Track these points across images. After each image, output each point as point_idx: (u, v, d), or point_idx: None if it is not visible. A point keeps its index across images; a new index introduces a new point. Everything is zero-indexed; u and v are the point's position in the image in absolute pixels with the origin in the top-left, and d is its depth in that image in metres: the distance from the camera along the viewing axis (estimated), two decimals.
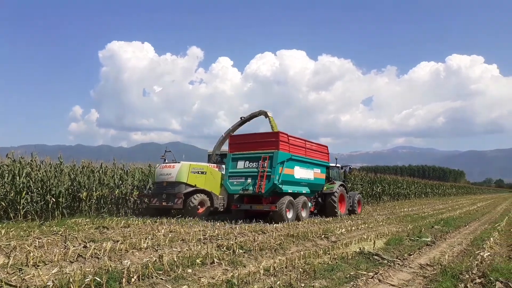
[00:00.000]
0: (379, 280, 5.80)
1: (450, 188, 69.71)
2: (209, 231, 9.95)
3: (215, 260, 6.60)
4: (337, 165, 19.26)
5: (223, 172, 15.65)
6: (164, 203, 14.82)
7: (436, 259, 7.36)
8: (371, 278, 5.83)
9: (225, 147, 17.08)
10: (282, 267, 6.34)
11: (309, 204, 15.32)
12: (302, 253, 7.61)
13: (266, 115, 17.15)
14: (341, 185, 17.43)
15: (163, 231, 9.99)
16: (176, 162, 15.44)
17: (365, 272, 6.16)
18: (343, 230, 11.29)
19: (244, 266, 6.54)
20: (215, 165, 16.41)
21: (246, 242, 8.39)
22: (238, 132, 17.64)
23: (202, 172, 15.45)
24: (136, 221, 12.33)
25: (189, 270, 5.99)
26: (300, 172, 14.58)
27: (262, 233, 10.16)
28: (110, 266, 5.93)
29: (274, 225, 12.08)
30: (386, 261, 7.07)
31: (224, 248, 7.68)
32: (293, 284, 5.46)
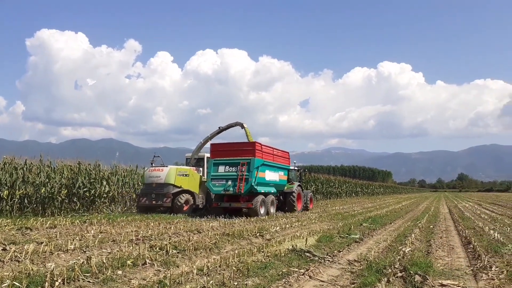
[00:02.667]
0: (310, 277, 5.97)
1: (378, 188, 73.78)
2: (142, 232, 9.66)
3: (147, 261, 6.42)
4: (295, 168, 21.67)
5: (201, 174, 18.06)
6: (154, 202, 16.42)
7: (363, 255, 7.73)
8: (302, 274, 5.99)
9: (201, 152, 19.37)
10: (216, 266, 6.32)
11: (275, 202, 17.69)
12: (236, 251, 7.64)
13: (242, 126, 19.39)
14: (298, 185, 20.02)
15: (92, 231, 9.55)
16: (164, 166, 17.23)
17: (296, 269, 6.32)
18: (278, 228, 11.52)
19: (178, 267, 6.43)
20: (195, 168, 18.19)
21: (181, 242, 8.26)
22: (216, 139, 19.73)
23: (185, 175, 17.17)
24: (64, 221, 11.67)
25: (119, 272, 5.78)
26: (270, 175, 17.08)
27: (198, 233, 10.06)
28: (32, 269, 5.55)
29: (210, 224, 12.03)
30: (317, 258, 7.30)
31: (157, 248, 7.49)
32: (226, 283, 5.46)
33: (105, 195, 17.52)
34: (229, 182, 15.76)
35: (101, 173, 17.99)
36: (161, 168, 17.05)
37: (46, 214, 14.92)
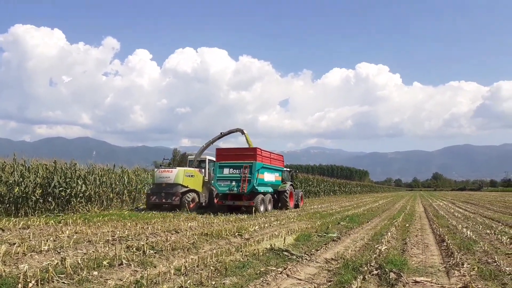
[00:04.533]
0: (287, 275, 6.00)
1: (356, 187, 74.72)
2: (118, 232, 9.52)
3: (124, 261, 6.33)
4: (287, 169, 23.61)
5: (203, 175, 19.93)
6: (163, 200, 18.06)
7: (340, 253, 7.81)
8: (280, 273, 6.01)
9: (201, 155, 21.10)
10: (194, 266, 6.28)
11: (272, 200, 19.59)
12: (215, 251, 7.61)
13: (242, 132, 21.04)
14: (291, 184, 21.78)
15: (67, 232, 9.36)
16: (173, 168, 19.02)
17: (274, 268, 6.34)
18: (257, 227, 11.54)
19: (155, 267, 6.36)
20: (198, 169, 19.90)
21: (158, 242, 8.18)
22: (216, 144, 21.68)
23: (191, 176, 18.97)
24: (38, 222, 11.39)
25: (95, 273, 5.67)
26: (268, 176, 19.01)
27: (176, 233, 9.98)
28: (4, 271, 5.40)
29: (189, 224, 11.94)
30: (295, 257, 7.34)
31: (134, 249, 7.39)
32: (204, 282, 5.44)
33: (81, 195, 17.18)
34: (233, 183, 17.61)
35: (77, 172, 17.63)
36: (170, 169, 18.82)
37: (20, 214, 14.52)
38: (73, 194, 16.76)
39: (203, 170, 20.16)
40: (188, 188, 18.41)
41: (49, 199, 15.82)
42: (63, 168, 17.13)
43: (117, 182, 19.96)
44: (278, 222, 13.44)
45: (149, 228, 10.52)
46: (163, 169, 19.05)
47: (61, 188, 16.27)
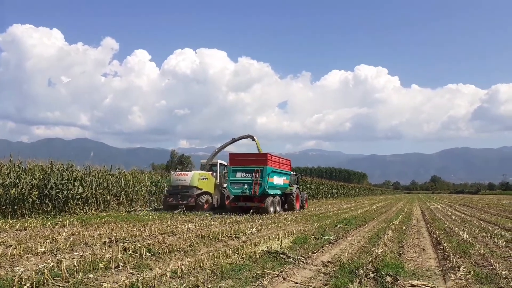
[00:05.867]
0: (284, 278, 6.01)
1: (354, 189, 74.77)
2: (115, 234, 9.51)
3: (120, 264, 6.32)
4: (294, 173, 24.75)
5: (215, 178, 21.32)
6: (180, 201, 19.33)
7: (337, 256, 7.83)
8: (276, 276, 6.02)
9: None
10: (190, 269, 6.28)
11: (280, 202, 20.93)
12: (211, 254, 7.61)
13: (253, 139, 23.07)
14: (297, 187, 23.19)
15: (64, 234, 9.35)
16: (189, 171, 20.65)
17: (271, 271, 6.35)
18: (254, 229, 11.54)
19: (151, 269, 6.36)
20: (210, 172, 21.35)
21: (155, 244, 8.18)
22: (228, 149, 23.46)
23: (205, 179, 20.46)
24: (35, 224, 11.37)
25: (91, 275, 5.67)
26: (277, 180, 20.30)
27: (173, 235, 9.98)
28: None
29: (186, 226, 11.94)
30: (291, 260, 7.35)
31: (131, 251, 7.39)
32: (200, 285, 5.43)
33: (78, 197, 17.15)
34: (246, 186, 18.92)
35: (74, 173, 17.59)
36: (186, 173, 20.35)
37: (16, 216, 14.49)
38: (70, 196, 16.73)
39: (214, 173, 21.50)
40: (202, 190, 19.85)
41: (46, 201, 15.79)
42: (60, 169, 17.10)
43: (114, 184, 19.93)
44: (275, 224, 13.45)
45: (146, 230, 10.51)
46: (179, 172, 20.64)
47: (57, 190, 16.24)
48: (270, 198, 19.20)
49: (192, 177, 19.81)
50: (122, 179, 20.62)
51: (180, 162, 23.81)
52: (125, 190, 20.60)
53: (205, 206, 19.55)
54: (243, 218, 15.58)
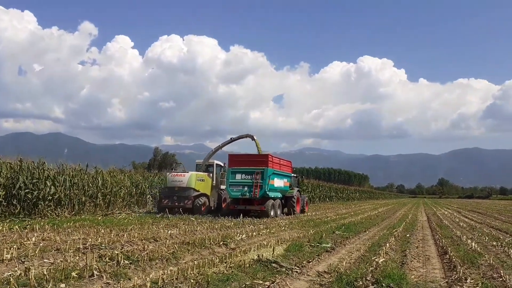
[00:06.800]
0: None
1: (354, 192, 75.21)
2: (90, 239, 9.48)
3: (95, 272, 6.31)
4: (294, 175, 25.85)
5: (211, 179, 21.94)
6: (176, 203, 19.96)
7: (334, 266, 7.87)
8: (267, 287, 6.04)
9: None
10: (173, 279, 6.27)
11: (281, 205, 21.74)
12: (196, 262, 7.61)
13: (253, 138, 23.60)
14: (298, 190, 24.30)
15: (33, 239, 9.28)
16: (186, 172, 21.09)
17: (261, 282, 6.36)
18: (244, 236, 11.57)
19: (129, 279, 6.34)
20: (207, 173, 21.88)
21: (134, 251, 8.16)
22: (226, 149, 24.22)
23: (202, 180, 21.07)
24: (1, 227, 11.29)
25: (62, 285, 5.65)
26: (277, 182, 21.08)
27: (154, 241, 9.97)
28: None
29: (169, 231, 11.93)
30: (284, 269, 7.37)
31: (107, 258, 7.36)
32: None
33: (50, 198, 17.04)
34: (245, 188, 19.63)
35: (45, 172, 17.48)
36: (183, 173, 20.86)
37: None
38: (40, 197, 16.61)
39: (211, 174, 22.14)
40: (199, 192, 20.55)
41: (14, 202, 15.67)
42: (30, 167, 16.98)
43: (90, 184, 19.85)
44: (268, 230, 13.48)
45: (125, 236, 10.49)
46: (175, 173, 21.16)
47: (27, 190, 16.12)
48: (271, 201, 19.96)
49: (190, 178, 20.40)
50: (99, 179, 20.53)
51: (173, 161, 24.47)
52: (103, 191, 20.52)
53: (203, 209, 20.18)
54: (232, 223, 15.59)
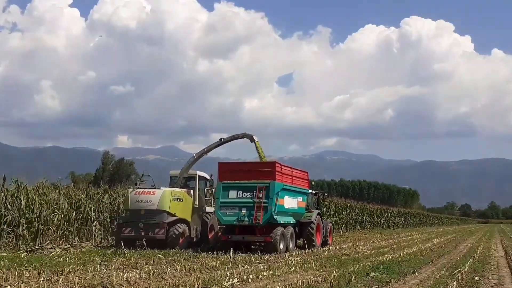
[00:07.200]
0: None
1: (398, 216, 75.19)
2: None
3: None
4: (312, 191, 26.35)
5: (192, 198, 22.19)
6: (142, 233, 20.03)
7: None
8: None
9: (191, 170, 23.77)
10: None
11: (294, 235, 21.83)
12: None
13: (252, 139, 23.82)
14: (318, 213, 24.30)
15: None
16: (156, 188, 21.09)
17: None
18: (236, 280, 11.46)
19: None
20: (186, 190, 22.19)
21: None
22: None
23: (179, 199, 21.24)
24: None
25: None
26: (288, 202, 21.05)
27: None
28: None
29: (125, 275, 11.85)
30: None
31: None
32: None
33: None
34: (243, 211, 19.61)
35: None
36: (152, 190, 20.89)
37: None
38: None
39: (192, 191, 22.37)
40: (176, 217, 20.62)
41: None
42: None
43: (9, 206, 19.77)
44: (271, 272, 13.39)
45: (61, 282, 10.42)
46: (141, 189, 21.18)
47: None
48: (280, 229, 19.92)
49: (162, 197, 20.42)
50: (21, 198, 20.45)
51: (131, 171, 24.89)
52: (27, 215, 20.45)
53: (180, 241, 20.23)
54: (218, 261, 15.53)
